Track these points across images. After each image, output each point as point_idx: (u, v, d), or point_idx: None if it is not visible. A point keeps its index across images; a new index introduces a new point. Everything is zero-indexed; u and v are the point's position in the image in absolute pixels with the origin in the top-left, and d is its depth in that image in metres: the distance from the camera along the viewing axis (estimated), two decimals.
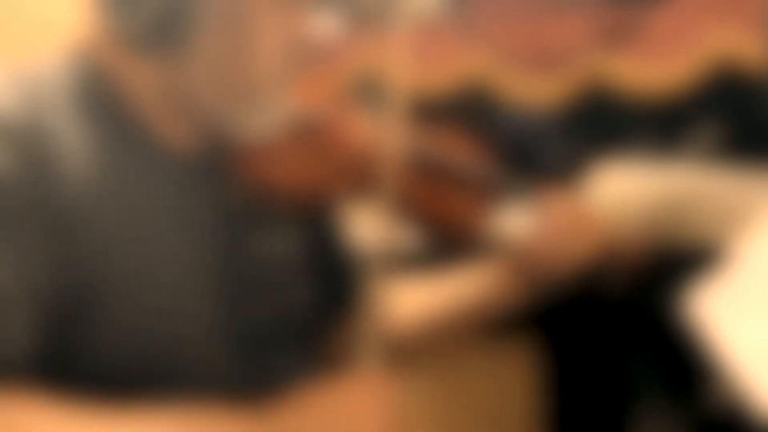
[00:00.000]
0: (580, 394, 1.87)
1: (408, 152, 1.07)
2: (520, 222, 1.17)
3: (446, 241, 1.16)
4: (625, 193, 1.60)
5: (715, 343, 1.12)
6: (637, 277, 1.26)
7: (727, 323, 1.14)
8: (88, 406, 0.92)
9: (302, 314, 1.12)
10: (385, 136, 1.06)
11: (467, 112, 1.89)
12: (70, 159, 0.95)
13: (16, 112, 0.95)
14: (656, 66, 1.82)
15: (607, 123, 1.85)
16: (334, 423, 0.99)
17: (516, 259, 1.18)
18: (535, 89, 1.88)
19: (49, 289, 0.92)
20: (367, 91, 1.31)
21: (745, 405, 1.06)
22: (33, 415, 0.90)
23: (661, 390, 1.76)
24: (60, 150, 0.95)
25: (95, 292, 0.94)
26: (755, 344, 1.10)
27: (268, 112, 1.03)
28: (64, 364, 0.95)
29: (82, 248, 0.94)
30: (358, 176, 1.10)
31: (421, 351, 1.26)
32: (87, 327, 0.95)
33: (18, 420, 0.89)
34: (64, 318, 0.93)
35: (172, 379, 0.98)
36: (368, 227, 1.13)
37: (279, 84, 1.03)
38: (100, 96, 1.00)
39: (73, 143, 0.96)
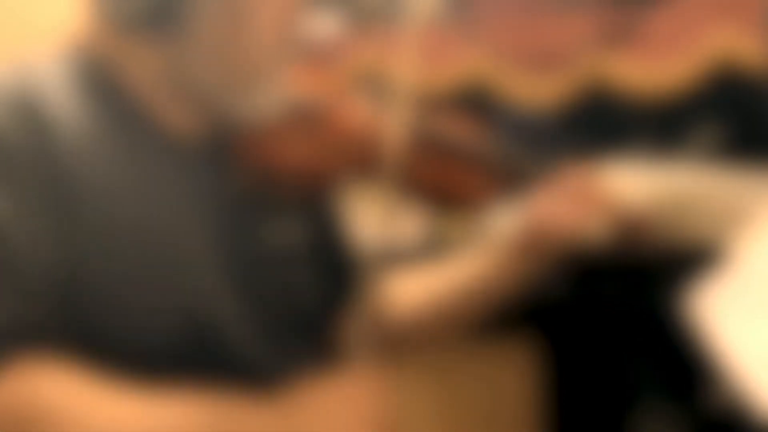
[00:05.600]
0: (580, 394, 1.87)
1: (412, 133, 1.07)
2: (521, 206, 1.17)
3: (448, 222, 1.15)
4: (625, 193, 1.60)
5: (716, 343, 1.12)
6: (654, 252, 1.24)
7: (728, 323, 1.14)
8: (112, 381, 0.92)
9: (306, 302, 1.12)
10: (388, 118, 1.06)
11: (468, 111, 1.89)
12: (69, 138, 0.95)
13: (9, 86, 0.96)
14: (656, 66, 1.83)
15: (607, 123, 1.85)
16: (328, 417, 0.99)
17: (515, 240, 1.17)
18: (535, 89, 1.89)
19: (53, 257, 0.92)
20: (371, 85, 1.31)
21: (745, 405, 1.06)
22: (54, 386, 0.90)
23: (661, 390, 1.77)
24: (59, 128, 0.95)
25: (95, 270, 0.94)
26: (755, 344, 1.10)
27: (268, 94, 1.04)
28: (81, 337, 0.94)
29: (83, 225, 0.94)
30: (360, 159, 1.10)
31: (421, 341, 1.26)
32: (91, 303, 0.95)
33: (38, 390, 0.89)
34: (72, 291, 0.93)
35: (186, 361, 0.98)
36: (370, 215, 1.13)
37: (277, 66, 1.04)
38: (99, 85, 1.00)
39: (74, 126, 0.96)
